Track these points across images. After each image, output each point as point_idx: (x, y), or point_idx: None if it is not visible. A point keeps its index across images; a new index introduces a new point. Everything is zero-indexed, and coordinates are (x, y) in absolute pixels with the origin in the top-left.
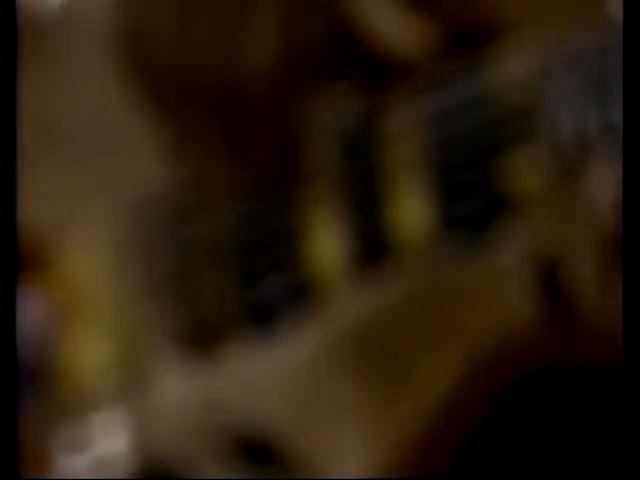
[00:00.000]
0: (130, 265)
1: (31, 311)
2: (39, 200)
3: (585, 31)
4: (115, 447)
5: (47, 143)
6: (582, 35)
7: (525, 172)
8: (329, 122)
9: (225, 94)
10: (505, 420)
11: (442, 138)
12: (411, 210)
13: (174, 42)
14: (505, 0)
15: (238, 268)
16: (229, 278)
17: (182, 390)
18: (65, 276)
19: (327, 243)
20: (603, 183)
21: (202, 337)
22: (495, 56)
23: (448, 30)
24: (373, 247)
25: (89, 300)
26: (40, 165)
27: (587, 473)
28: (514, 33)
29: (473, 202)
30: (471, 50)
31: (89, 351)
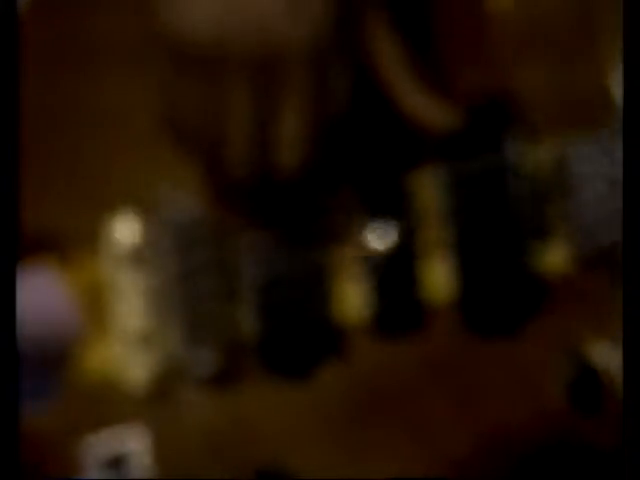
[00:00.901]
0: (157, 281)
1: (59, 313)
2: (70, 207)
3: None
4: (137, 457)
5: (81, 151)
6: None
7: (553, 254)
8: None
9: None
10: None
11: (469, 209)
12: (437, 275)
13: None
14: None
15: (257, 302)
16: (245, 310)
17: (204, 411)
18: (94, 284)
19: (352, 295)
20: None
21: (222, 364)
22: (518, 134)
23: (467, 103)
24: (397, 305)
25: (116, 312)
26: (71, 171)
27: None
28: (535, 112)
29: (499, 277)
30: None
31: (114, 362)
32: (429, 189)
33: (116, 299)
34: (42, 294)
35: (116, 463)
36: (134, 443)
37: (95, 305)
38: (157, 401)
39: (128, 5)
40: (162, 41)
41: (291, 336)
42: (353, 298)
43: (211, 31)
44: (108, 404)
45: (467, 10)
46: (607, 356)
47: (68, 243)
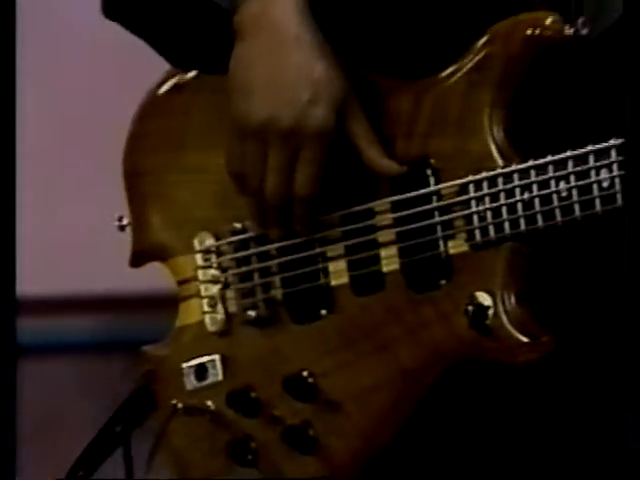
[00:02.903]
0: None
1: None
2: (172, 230)
3: None
4: (213, 366)
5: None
6: None
7: (458, 241)
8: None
9: None
10: (441, 389)
11: (408, 217)
12: (388, 258)
13: None
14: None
15: (282, 275)
16: (275, 280)
17: (257, 343)
18: (178, 268)
19: (339, 269)
20: None
21: (262, 312)
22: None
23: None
24: (366, 276)
25: (201, 287)
26: (175, 208)
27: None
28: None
29: (426, 260)
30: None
31: (200, 313)
32: (385, 208)
33: (201, 282)
34: None
35: (200, 369)
36: (211, 358)
37: (189, 284)
38: (225, 334)
39: (213, 102)
40: (232, 121)
41: (303, 294)
42: (340, 270)
43: (262, 116)
44: (198, 336)
45: (396, 102)
46: (490, 301)
47: (170, 251)
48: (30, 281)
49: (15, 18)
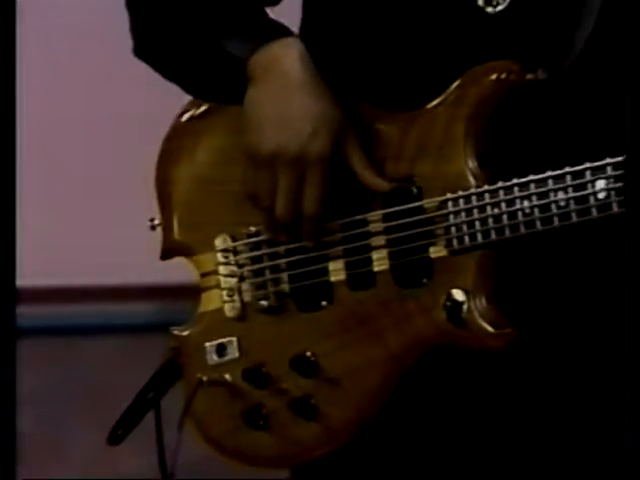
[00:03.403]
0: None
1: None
2: (196, 231)
3: None
4: (230, 345)
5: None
6: None
7: (437, 247)
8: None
9: None
10: (419, 371)
11: (396, 227)
12: (379, 260)
13: None
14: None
15: (290, 272)
16: (284, 275)
17: (268, 328)
18: (201, 263)
19: (337, 268)
20: None
21: (272, 302)
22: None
23: (391, 177)
24: (361, 275)
25: (220, 279)
26: (199, 214)
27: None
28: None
29: (411, 262)
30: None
31: (219, 301)
32: (377, 218)
33: (221, 275)
34: None
35: (220, 347)
36: (229, 339)
37: (210, 277)
38: (241, 320)
39: (227, 125)
40: (246, 150)
41: (307, 288)
42: (338, 269)
43: (272, 146)
44: (218, 320)
45: (388, 130)
46: (464, 297)
47: (194, 249)
48: (90, 273)
49: (15, 18)
